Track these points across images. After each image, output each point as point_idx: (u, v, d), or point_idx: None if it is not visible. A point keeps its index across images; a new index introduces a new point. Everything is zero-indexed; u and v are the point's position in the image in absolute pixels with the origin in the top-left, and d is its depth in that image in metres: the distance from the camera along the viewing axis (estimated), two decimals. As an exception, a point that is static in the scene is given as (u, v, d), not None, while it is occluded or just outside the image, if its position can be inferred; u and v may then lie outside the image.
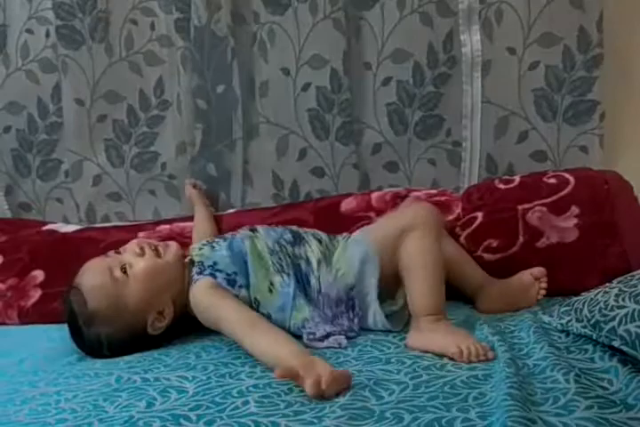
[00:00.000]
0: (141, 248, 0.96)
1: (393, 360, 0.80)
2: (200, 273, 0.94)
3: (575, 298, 0.87)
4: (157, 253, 0.96)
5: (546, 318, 0.89)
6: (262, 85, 1.31)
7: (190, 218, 1.27)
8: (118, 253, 0.97)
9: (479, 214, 1.13)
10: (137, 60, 1.35)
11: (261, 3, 1.28)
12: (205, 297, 0.90)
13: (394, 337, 0.90)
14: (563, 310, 0.88)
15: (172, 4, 1.29)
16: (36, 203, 1.44)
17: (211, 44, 1.29)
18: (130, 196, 1.40)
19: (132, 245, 0.97)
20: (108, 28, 1.34)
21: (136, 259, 0.95)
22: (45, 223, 1.36)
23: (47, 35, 1.36)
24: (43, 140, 1.41)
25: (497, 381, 0.69)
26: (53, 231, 1.30)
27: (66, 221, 1.41)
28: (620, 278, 0.83)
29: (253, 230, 1.01)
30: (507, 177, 1.20)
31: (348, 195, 1.24)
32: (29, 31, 1.37)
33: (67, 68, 1.34)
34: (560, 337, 0.83)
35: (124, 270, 0.93)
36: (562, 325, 0.84)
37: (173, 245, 0.99)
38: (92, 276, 0.94)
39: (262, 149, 1.33)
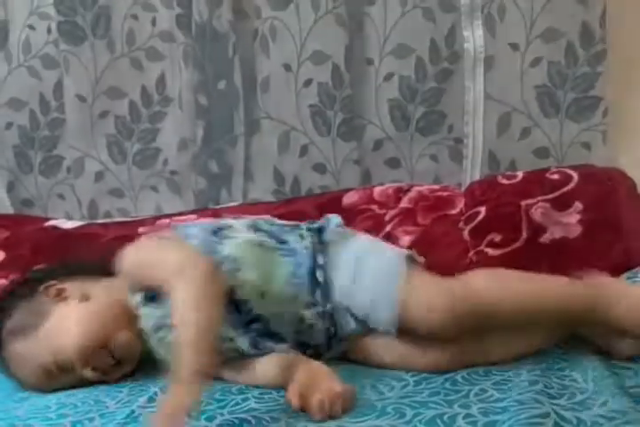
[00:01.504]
0: (94, 369, 0.77)
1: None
2: None
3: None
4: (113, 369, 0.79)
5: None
6: (263, 81, 1.30)
7: (190, 212, 1.27)
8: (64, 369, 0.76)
9: (482, 209, 1.13)
10: (138, 55, 1.34)
11: (263, -3, 1.28)
12: None
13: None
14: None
15: (173, 0, 1.29)
16: (38, 199, 1.44)
17: (212, 39, 1.28)
18: (132, 192, 1.40)
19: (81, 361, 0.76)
20: (109, 23, 1.34)
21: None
22: (47, 219, 1.36)
23: (49, 31, 1.35)
24: (44, 136, 1.40)
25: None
26: (55, 227, 1.30)
27: (68, 217, 1.41)
28: (627, 274, 0.82)
29: None
30: (509, 173, 1.19)
31: (350, 190, 1.24)
32: (31, 27, 1.36)
33: (68, 65, 1.34)
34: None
35: None
36: None
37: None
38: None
39: (263, 145, 1.32)
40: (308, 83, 1.29)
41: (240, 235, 0.79)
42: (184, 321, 0.64)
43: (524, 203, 1.10)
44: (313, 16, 1.26)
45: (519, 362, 0.73)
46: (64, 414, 0.70)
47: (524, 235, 1.08)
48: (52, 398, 0.76)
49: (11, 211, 1.43)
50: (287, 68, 1.29)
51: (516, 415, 0.58)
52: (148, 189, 1.39)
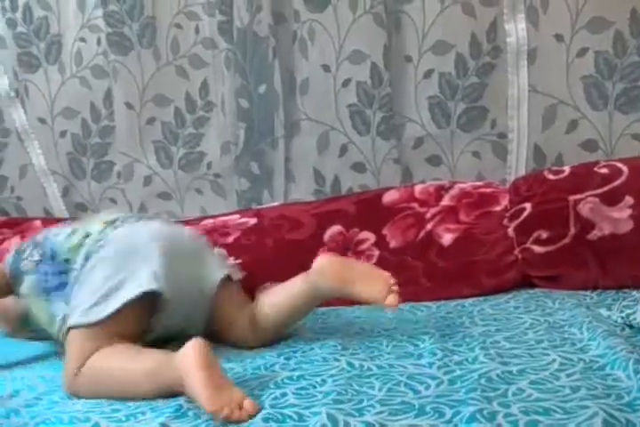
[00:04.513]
0: None
1: (425, 354, 0.80)
2: None
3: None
4: None
5: (604, 312, 0.87)
6: (303, 83, 1.32)
7: (233, 213, 1.29)
8: None
9: (528, 205, 1.11)
10: (183, 63, 1.38)
11: (302, 0, 1.29)
12: None
13: (424, 334, 0.89)
14: (625, 303, 0.85)
15: (216, 8, 1.32)
16: (91, 203, 1.50)
17: (253, 44, 1.31)
18: (178, 195, 1.44)
19: None
20: (154, 33, 1.38)
21: None
22: (100, 223, 1.41)
23: (98, 42, 1.41)
24: (96, 143, 1.46)
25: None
26: (107, 230, 1.36)
27: (119, 220, 1.46)
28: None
29: None
30: (556, 168, 1.16)
31: (391, 188, 1.24)
32: (82, 39, 1.42)
33: (117, 74, 1.39)
34: (623, 329, 0.80)
35: None
36: (623, 318, 0.81)
37: None
38: None
39: (303, 145, 1.34)
40: (346, 82, 1.29)
41: None
42: None
43: (572, 198, 1.07)
44: (351, 16, 1.26)
45: (550, 363, 0.71)
46: (116, 409, 0.74)
47: (572, 231, 1.05)
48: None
49: (66, 215, 1.50)
50: (326, 68, 1.30)
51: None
52: (194, 191, 1.43)
